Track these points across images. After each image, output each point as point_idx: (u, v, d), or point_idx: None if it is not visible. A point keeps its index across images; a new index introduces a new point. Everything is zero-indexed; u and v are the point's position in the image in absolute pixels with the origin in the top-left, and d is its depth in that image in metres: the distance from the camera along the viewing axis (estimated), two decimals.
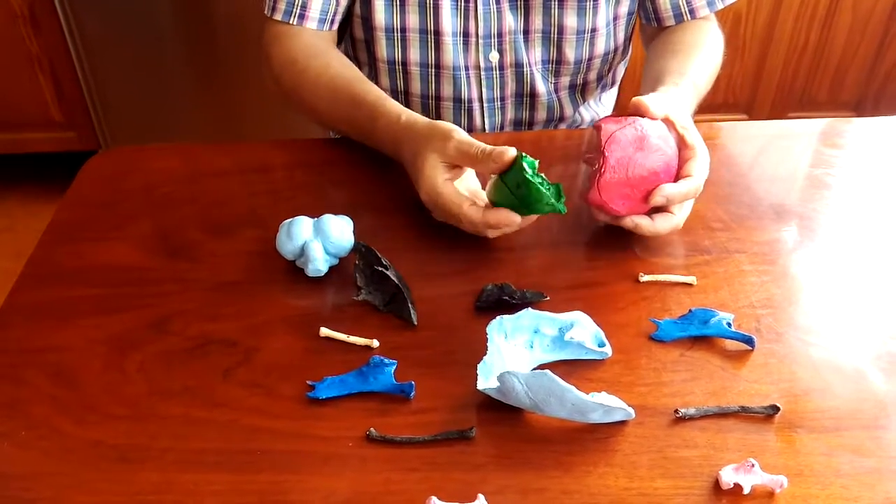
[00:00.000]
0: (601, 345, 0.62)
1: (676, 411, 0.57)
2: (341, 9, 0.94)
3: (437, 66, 0.96)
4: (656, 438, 0.56)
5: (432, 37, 0.93)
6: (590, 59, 0.98)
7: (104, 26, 1.86)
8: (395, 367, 0.60)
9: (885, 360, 0.63)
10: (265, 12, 0.93)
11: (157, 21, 1.86)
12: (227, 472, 0.54)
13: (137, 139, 2.00)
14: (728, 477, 0.52)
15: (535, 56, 0.97)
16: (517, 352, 0.62)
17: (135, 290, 0.69)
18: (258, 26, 0.96)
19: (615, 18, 0.96)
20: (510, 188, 0.67)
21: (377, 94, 0.84)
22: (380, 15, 0.93)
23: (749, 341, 0.63)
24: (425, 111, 0.98)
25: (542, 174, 0.67)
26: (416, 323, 0.65)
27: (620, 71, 1.07)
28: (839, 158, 0.89)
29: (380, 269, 0.66)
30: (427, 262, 0.72)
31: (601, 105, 1.09)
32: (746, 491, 0.52)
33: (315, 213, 0.71)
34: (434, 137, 0.73)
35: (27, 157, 2.14)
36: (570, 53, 0.96)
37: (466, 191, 0.74)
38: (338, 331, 0.64)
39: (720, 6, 0.96)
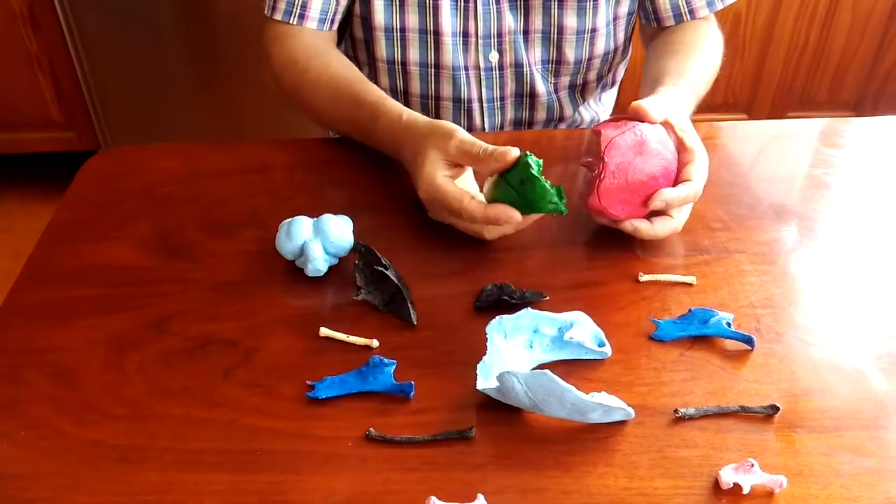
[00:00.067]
0: (601, 345, 0.62)
1: (676, 411, 0.57)
2: (341, 9, 0.94)
3: (437, 66, 0.96)
4: (656, 438, 0.56)
5: (432, 37, 0.93)
6: (590, 60, 0.98)
7: (104, 26, 1.86)
8: (394, 366, 0.60)
9: (885, 360, 0.63)
10: (265, 12, 0.93)
11: (157, 21, 1.86)
12: (227, 472, 0.54)
13: (137, 139, 2.00)
14: (728, 477, 0.52)
15: (534, 56, 0.97)
16: (517, 352, 0.62)
17: (134, 291, 0.69)
18: (258, 26, 0.96)
19: (615, 18, 0.96)
20: (513, 186, 0.67)
21: (378, 94, 0.84)
22: (379, 15, 0.93)
23: (749, 341, 0.63)
24: (425, 111, 0.98)
25: (543, 175, 0.67)
26: (415, 323, 0.65)
27: (620, 71, 1.07)
28: (839, 158, 0.89)
29: (379, 268, 0.66)
30: (427, 261, 0.72)
31: (601, 105, 1.09)
32: (746, 491, 0.52)
33: (315, 213, 0.71)
34: (435, 136, 0.73)
35: (27, 157, 2.14)
36: (569, 53, 0.96)
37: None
38: (337, 331, 0.64)
39: (720, 6, 0.96)
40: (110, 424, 0.57)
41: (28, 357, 0.63)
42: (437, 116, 0.99)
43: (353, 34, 0.99)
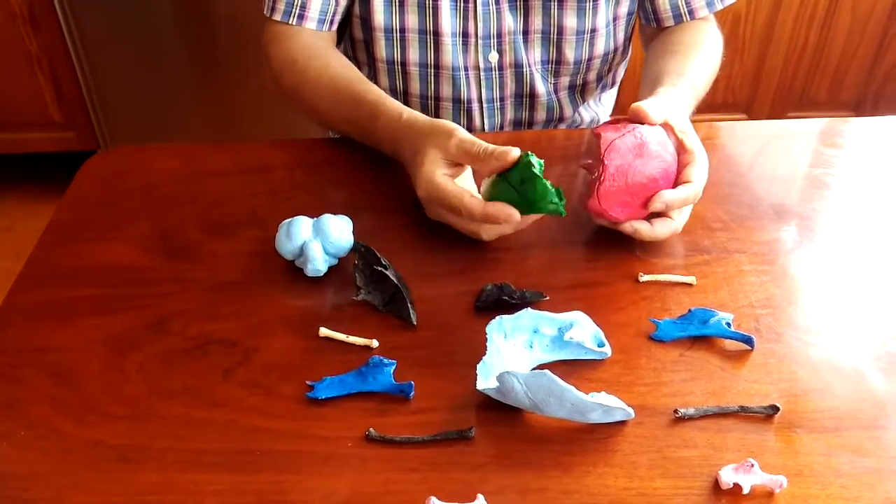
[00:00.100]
0: (601, 345, 0.62)
1: (676, 411, 0.57)
2: (340, 9, 0.94)
3: (437, 67, 0.96)
4: (656, 438, 0.56)
5: (431, 37, 0.93)
6: (589, 60, 0.98)
7: (104, 26, 1.86)
8: (394, 367, 0.60)
9: (885, 360, 0.63)
10: (264, 12, 0.93)
11: (157, 21, 1.86)
12: (227, 472, 0.54)
13: (137, 139, 2.00)
14: (727, 477, 0.52)
15: (534, 56, 0.97)
16: (516, 352, 0.62)
17: (134, 291, 0.69)
18: (258, 26, 0.96)
19: (615, 19, 0.96)
20: (513, 185, 0.67)
21: (377, 94, 0.84)
22: (379, 15, 0.93)
23: (748, 341, 0.63)
24: (424, 112, 0.97)
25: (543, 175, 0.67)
26: (415, 323, 0.65)
27: (620, 71, 1.07)
28: (838, 158, 0.89)
29: (379, 269, 0.66)
30: (426, 261, 0.72)
31: (601, 105, 1.09)
32: (746, 491, 0.52)
33: (314, 213, 0.71)
34: (435, 135, 0.73)
35: (26, 157, 2.14)
36: (569, 54, 0.96)
37: None
38: (337, 331, 0.64)
39: (719, 7, 0.96)
40: (110, 424, 0.57)
41: (28, 357, 0.63)
42: (437, 117, 0.98)
43: (353, 34, 0.99)
